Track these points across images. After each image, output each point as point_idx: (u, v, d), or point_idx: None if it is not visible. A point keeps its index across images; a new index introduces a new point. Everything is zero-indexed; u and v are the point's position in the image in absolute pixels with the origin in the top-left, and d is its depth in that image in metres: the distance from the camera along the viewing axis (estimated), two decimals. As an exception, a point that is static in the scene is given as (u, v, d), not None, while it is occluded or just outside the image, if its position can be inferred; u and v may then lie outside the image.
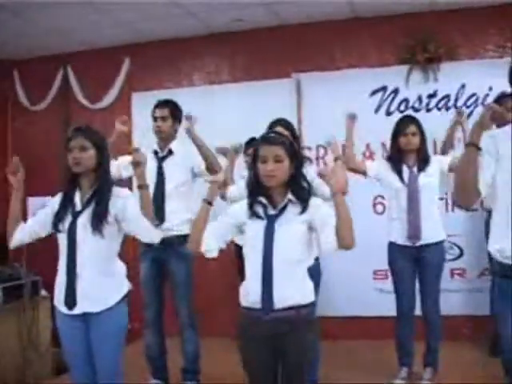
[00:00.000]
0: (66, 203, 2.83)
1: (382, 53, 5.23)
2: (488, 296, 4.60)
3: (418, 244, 3.94)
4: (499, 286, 2.46)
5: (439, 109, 5.10)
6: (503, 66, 4.93)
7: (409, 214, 3.95)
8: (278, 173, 2.53)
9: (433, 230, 3.96)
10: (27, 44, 5.67)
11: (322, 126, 4.93)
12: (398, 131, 4.04)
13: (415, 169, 4.01)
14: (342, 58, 5.34)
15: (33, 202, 5.95)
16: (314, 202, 2.58)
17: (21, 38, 5.50)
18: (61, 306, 2.80)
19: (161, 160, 4.05)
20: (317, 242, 2.55)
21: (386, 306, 4.41)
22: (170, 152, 4.06)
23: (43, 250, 5.57)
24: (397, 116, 5.05)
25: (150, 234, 2.93)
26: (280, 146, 2.55)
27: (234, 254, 4.83)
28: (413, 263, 3.98)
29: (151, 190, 3.77)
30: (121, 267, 2.90)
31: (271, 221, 2.54)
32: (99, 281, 2.77)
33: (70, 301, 2.75)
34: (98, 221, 2.75)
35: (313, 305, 2.60)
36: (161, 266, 3.98)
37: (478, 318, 4.86)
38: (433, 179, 3.98)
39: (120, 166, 3.93)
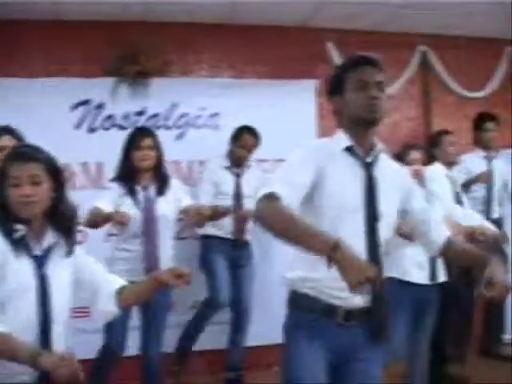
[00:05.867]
0: None
1: (86, 63, 4.56)
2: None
3: None
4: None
5: (148, 128, 4.56)
6: (217, 86, 4.75)
7: (145, 246, 3.42)
8: (38, 198, 1.87)
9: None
10: None
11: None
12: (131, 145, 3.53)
13: (152, 191, 3.48)
14: (42, 65, 4.55)
15: None
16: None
17: None
18: None
19: None
20: None
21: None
22: None
23: None
24: (101, 134, 4.57)
25: None
26: (38, 163, 1.89)
27: None
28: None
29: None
30: None
31: (41, 263, 1.92)
32: None
33: None
34: None
35: None
36: None
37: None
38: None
39: None
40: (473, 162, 4.67)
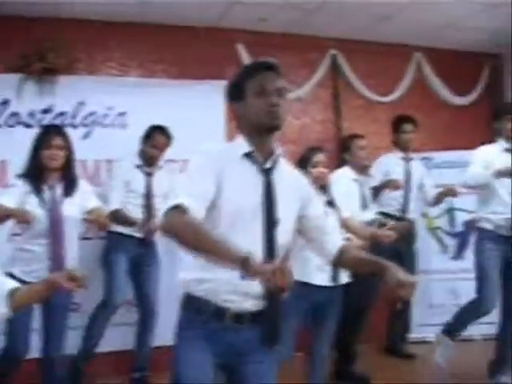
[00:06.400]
0: None
1: (-9, 58, 4.49)
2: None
3: None
4: None
5: (55, 126, 4.50)
6: (125, 85, 4.72)
7: (51, 246, 3.34)
8: None
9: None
10: None
11: None
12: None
13: (58, 191, 3.41)
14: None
15: None
16: None
17: None
18: None
19: None
20: None
21: None
22: None
23: None
24: (5, 131, 4.48)
25: None
26: None
27: None
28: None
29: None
30: None
31: None
32: None
33: None
34: None
35: None
36: None
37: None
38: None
39: None
40: (391, 162, 4.76)
